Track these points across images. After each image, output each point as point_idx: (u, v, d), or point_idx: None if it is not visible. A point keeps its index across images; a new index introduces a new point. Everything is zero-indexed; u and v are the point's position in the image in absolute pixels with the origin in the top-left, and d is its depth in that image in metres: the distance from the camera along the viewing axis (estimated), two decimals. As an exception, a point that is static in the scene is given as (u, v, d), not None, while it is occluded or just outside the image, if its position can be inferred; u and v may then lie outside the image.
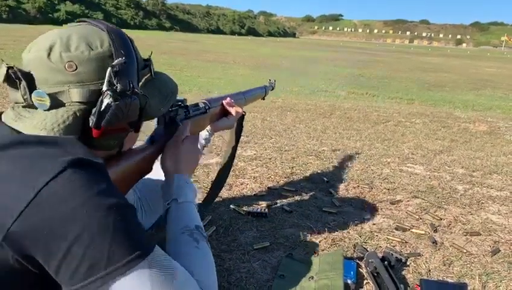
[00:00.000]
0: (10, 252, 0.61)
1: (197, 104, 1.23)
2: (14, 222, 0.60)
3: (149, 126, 1.07)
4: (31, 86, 0.72)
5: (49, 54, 0.72)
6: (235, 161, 2.48)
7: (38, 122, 0.72)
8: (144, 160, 0.99)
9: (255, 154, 2.72)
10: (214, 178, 1.79)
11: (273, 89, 1.85)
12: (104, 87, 0.73)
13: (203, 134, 1.41)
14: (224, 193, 2.01)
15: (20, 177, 0.62)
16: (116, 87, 0.74)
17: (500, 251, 1.61)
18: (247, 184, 2.17)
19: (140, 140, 1.02)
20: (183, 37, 33.37)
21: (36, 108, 0.73)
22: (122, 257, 0.64)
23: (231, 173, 2.26)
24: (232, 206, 1.84)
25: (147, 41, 17.27)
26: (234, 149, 1.66)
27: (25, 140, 0.68)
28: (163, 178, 1.05)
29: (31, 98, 0.72)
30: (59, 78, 0.72)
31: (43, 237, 0.61)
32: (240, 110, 1.40)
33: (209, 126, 1.36)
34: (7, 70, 0.71)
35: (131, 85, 0.76)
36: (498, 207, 2.08)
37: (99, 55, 0.74)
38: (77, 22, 0.82)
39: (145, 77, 0.86)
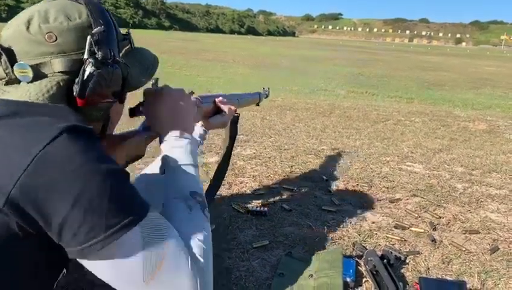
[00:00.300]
0: (12, 217, 0.63)
1: None
2: (13, 188, 0.61)
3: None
4: (12, 60, 0.73)
5: (28, 27, 0.73)
6: (235, 159, 2.49)
7: (22, 94, 0.72)
8: (134, 143, 0.98)
9: (254, 153, 2.73)
10: (210, 180, 1.80)
11: (267, 96, 1.86)
12: (85, 56, 0.74)
13: (198, 131, 1.40)
14: (224, 192, 2.01)
15: (18, 144, 0.64)
16: (97, 55, 0.74)
17: (499, 249, 1.62)
18: (247, 183, 2.17)
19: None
20: (182, 36, 33.36)
21: (19, 82, 0.73)
22: (119, 220, 0.66)
23: (231, 171, 2.27)
24: (231, 205, 1.84)
25: (146, 41, 17.27)
26: (229, 153, 1.65)
27: (20, 110, 0.69)
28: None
29: (13, 72, 0.72)
30: (40, 49, 0.73)
31: (42, 200, 0.62)
32: (233, 107, 1.39)
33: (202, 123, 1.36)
34: None
35: (112, 53, 0.78)
36: (497, 205, 2.08)
37: (78, 25, 0.75)
38: None
39: (125, 48, 0.87)
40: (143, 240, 0.69)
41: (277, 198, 1.99)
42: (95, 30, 0.75)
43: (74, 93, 0.74)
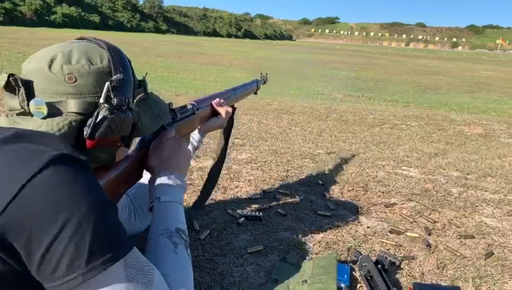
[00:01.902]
0: None
1: (184, 106, 1.23)
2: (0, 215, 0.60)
3: None
4: (30, 94, 0.75)
5: (50, 66, 0.75)
6: (230, 163, 2.49)
7: (32, 128, 0.73)
8: (131, 167, 0.99)
9: (250, 157, 2.72)
10: (205, 181, 1.80)
11: (265, 82, 1.82)
12: (101, 100, 0.76)
13: (195, 136, 1.40)
14: (219, 196, 2.00)
15: (8, 172, 0.64)
16: (113, 101, 0.77)
17: (493, 254, 1.61)
18: (242, 187, 2.16)
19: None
20: (179, 39, 33.37)
21: (32, 116, 0.75)
22: (102, 255, 0.65)
23: (226, 175, 2.26)
24: (226, 210, 1.83)
25: (143, 44, 17.27)
26: (224, 149, 1.65)
27: (16, 135, 0.70)
28: None
29: (28, 106, 0.74)
30: (58, 88, 0.75)
31: (26, 231, 0.61)
32: (229, 109, 1.41)
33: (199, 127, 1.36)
34: (8, 77, 0.74)
35: (127, 100, 0.80)
36: (492, 210, 2.08)
37: (99, 70, 0.78)
38: (78, 39, 0.86)
39: (139, 96, 0.90)
40: (125, 277, 0.68)
41: (272, 203, 1.98)
42: (114, 77, 0.78)
43: (84, 134, 0.76)
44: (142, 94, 0.91)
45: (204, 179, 2.18)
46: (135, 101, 0.88)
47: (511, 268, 1.51)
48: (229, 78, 8.06)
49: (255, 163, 2.59)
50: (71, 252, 0.62)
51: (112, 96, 0.77)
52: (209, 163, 2.50)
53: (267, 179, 2.31)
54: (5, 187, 0.62)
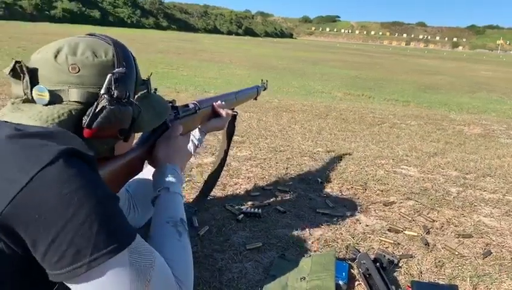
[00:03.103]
0: (1, 236, 0.63)
1: (187, 105, 1.26)
2: (7, 206, 0.62)
3: None
4: (33, 81, 0.77)
5: (56, 56, 0.78)
6: (229, 160, 2.49)
7: (34, 114, 0.76)
8: (132, 161, 1.00)
9: (249, 154, 2.72)
10: (206, 178, 1.81)
11: (265, 89, 1.87)
12: (102, 91, 0.78)
13: (196, 134, 1.42)
14: (218, 193, 2.01)
15: (18, 164, 0.65)
16: (114, 93, 0.79)
17: (491, 253, 1.62)
18: (241, 184, 2.16)
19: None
20: (180, 36, 33.33)
21: (35, 103, 0.77)
22: (106, 245, 0.67)
23: (225, 172, 2.26)
24: (225, 206, 1.83)
25: (143, 40, 17.26)
26: (226, 151, 1.68)
27: (26, 132, 0.71)
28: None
29: (31, 93, 0.77)
30: (61, 78, 0.78)
31: (34, 221, 0.63)
32: (230, 112, 1.45)
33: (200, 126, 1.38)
34: (14, 64, 0.77)
35: (128, 94, 0.82)
36: (490, 210, 2.09)
37: (103, 63, 0.81)
38: (86, 34, 0.88)
39: (142, 92, 0.92)
40: (130, 265, 0.70)
41: (271, 200, 1.98)
42: (116, 70, 0.80)
43: (83, 123, 0.78)
44: (144, 91, 0.93)
45: (204, 176, 2.19)
46: (137, 97, 0.90)
47: (509, 267, 1.52)
48: (229, 75, 8.05)
49: (255, 160, 2.59)
50: (78, 242, 0.64)
51: (113, 89, 0.79)
52: (208, 160, 2.51)
53: (266, 177, 2.31)
54: (15, 177, 0.64)
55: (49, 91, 0.76)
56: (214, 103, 1.39)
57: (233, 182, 2.19)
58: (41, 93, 0.76)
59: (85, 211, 0.65)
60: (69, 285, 0.69)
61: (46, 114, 0.75)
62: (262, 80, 1.86)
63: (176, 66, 8.87)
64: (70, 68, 0.78)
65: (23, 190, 0.63)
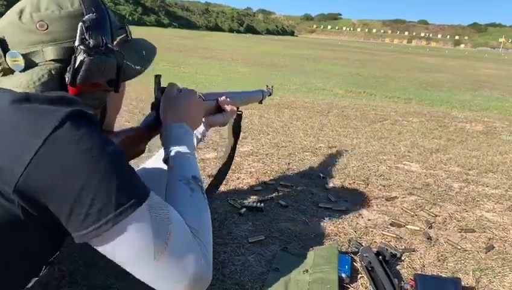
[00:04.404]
0: (19, 203, 0.64)
1: None
2: (25, 170, 0.62)
3: (156, 142, 1.09)
4: (5, 50, 0.74)
5: (20, 17, 0.74)
6: (232, 155, 2.48)
7: (14, 82, 0.73)
8: (134, 136, 0.99)
9: (251, 149, 2.72)
10: (213, 177, 1.80)
11: (270, 94, 1.86)
12: (77, 43, 0.74)
13: (200, 128, 1.41)
14: (221, 187, 2.00)
15: (28, 127, 0.65)
16: (89, 42, 0.75)
17: (494, 247, 1.62)
18: (244, 179, 2.17)
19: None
20: (181, 33, 33.30)
21: (13, 73, 0.74)
22: (127, 199, 0.68)
23: (227, 167, 2.26)
24: (228, 200, 1.84)
25: (144, 37, 17.17)
26: (233, 151, 1.66)
27: (29, 97, 0.70)
28: (163, 167, 1.04)
29: (6, 62, 0.73)
30: (32, 38, 0.74)
31: (53, 184, 0.64)
32: (234, 108, 1.41)
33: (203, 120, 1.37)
34: None
35: (105, 41, 0.77)
36: (493, 205, 2.09)
37: (70, 14, 0.76)
38: None
39: (121, 37, 0.88)
40: (151, 218, 0.71)
41: (273, 194, 1.99)
42: (86, 17, 0.75)
43: (66, 81, 0.75)
44: (123, 36, 0.88)
45: (206, 171, 2.20)
46: (115, 43, 0.85)
47: (511, 262, 1.52)
48: (231, 73, 8.04)
49: (256, 155, 2.59)
50: (100, 199, 0.65)
51: (87, 38, 0.74)
52: (210, 155, 2.51)
53: (268, 172, 2.31)
54: (28, 141, 0.64)
55: (23, 55, 0.73)
56: (219, 98, 1.38)
57: (236, 176, 2.19)
58: (15, 58, 0.73)
59: (102, 168, 0.66)
60: (96, 246, 0.70)
61: (26, 79, 0.73)
62: (267, 86, 1.85)
63: (177, 64, 8.86)
64: (38, 26, 0.73)
65: (38, 153, 0.63)
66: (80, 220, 0.65)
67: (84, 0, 0.78)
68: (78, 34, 0.74)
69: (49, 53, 0.74)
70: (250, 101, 1.74)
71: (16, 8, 0.76)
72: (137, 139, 1.01)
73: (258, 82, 2.01)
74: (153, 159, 1.27)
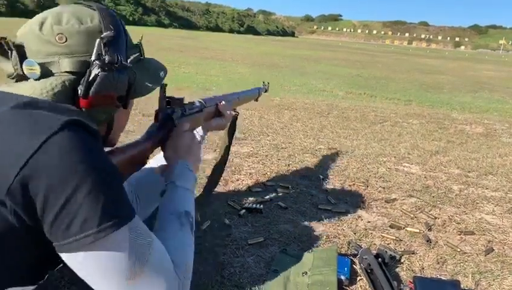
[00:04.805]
0: (12, 206, 0.64)
1: (193, 103, 1.27)
2: (22, 169, 0.63)
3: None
4: (22, 57, 0.75)
5: (41, 27, 0.76)
6: (231, 157, 2.49)
7: (28, 89, 0.75)
8: (137, 153, 1.00)
9: (251, 151, 2.72)
10: (208, 177, 1.81)
11: (266, 91, 1.89)
12: (93, 58, 0.77)
13: (200, 131, 1.42)
14: (220, 188, 2.01)
15: (25, 133, 0.66)
16: (105, 58, 0.77)
17: (493, 250, 1.62)
18: (243, 180, 2.16)
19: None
20: (181, 34, 33.31)
21: (27, 79, 0.76)
22: (111, 217, 0.67)
23: (227, 169, 2.26)
24: (227, 202, 1.83)
25: (145, 37, 17.16)
26: (227, 150, 1.68)
27: (31, 102, 0.71)
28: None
29: (21, 68, 0.75)
30: (50, 49, 0.76)
31: (44, 187, 0.64)
32: (233, 112, 1.46)
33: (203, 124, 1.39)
34: None
35: (120, 58, 0.80)
36: (492, 207, 2.08)
37: (89, 29, 0.78)
38: (71, 3, 0.86)
39: (134, 56, 0.89)
40: (129, 241, 0.71)
41: (273, 196, 1.98)
42: (104, 34, 0.78)
43: (79, 93, 0.77)
44: (137, 54, 0.90)
45: (205, 172, 2.19)
46: (129, 61, 0.87)
47: (510, 264, 1.52)
48: (231, 73, 8.03)
49: (256, 157, 2.59)
50: (85, 211, 0.65)
51: (104, 54, 0.77)
52: (210, 156, 2.51)
53: (268, 173, 2.31)
54: (25, 145, 0.64)
55: (39, 64, 0.75)
56: (219, 103, 1.41)
57: (235, 178, 2.19)
58: (31, 67, 0.75)
59: (92, 180, 0.66)
60: (68, 258, 0.69)
61: (40, 87, 0.75)
62: (263, 82, 1.88)
63: (177, 64, 8.86)
64: (57, 38, 0.76)
65: (35, 155, 0.63)
66: (62, 229, 0.65)
67: (103, 17, 0.81)
68: (95, 50, 0.77)
69: (65, 65, 0.76)
70: (247, 100, 1.78)
71: (38, 18, 0.78)
72: (142, 155, 1.03)
73: (258, 83, 2.02)
74: (150, 162, 1.27)
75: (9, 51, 0.76)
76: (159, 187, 1.03)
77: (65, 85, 0.76)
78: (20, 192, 0.63)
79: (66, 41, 0.76)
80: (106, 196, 0.67)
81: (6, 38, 0.76)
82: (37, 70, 0.75)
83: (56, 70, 0.76)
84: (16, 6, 43.98)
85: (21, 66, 0.75)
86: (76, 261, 0.69)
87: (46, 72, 0.75)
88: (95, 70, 0.76)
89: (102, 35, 0.78)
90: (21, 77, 0.76)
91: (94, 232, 0.65)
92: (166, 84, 1.05)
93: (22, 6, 44.61)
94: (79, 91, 0.77)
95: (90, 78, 0.76)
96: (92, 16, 0.80)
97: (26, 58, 0.75)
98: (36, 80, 0.75)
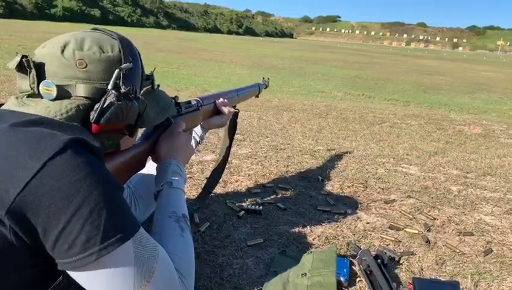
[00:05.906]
0: (11, 226, 0.64)
1: (189, 102, 1.27)
2: (21, 191, 0.63)
3: None
4: (40, 76, 0.77)
5: (63, 51, 0.78)
6: (230, 158, 2.48)
7: (41, 109, 0.76)
8: (136, 156, 1.01)
9: (250, 152, 2.72)
10: (208, 176, 1.81)
11: (266, 87, 1.87)
12: (109, 87, 0.79)
13: (198, 131, 1.42)
14: (219, 190, 2.00)
15: (29, 151, 0.66)
16: (121, 88, 0.80)
17: (492, 251, 1.62)
18: (242, 181, 2.16)
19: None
20: (180, 35, 33.30)
21: (41, 98, 0.77)
22: (115, 233, 0.68)
23: (226, 170, 2.26)
24: (226, 203, 1.83)
25: (143, 39, 17.23)
26: (228, 149, 1.68)
27: (36, 120, 0.72)
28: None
29: (38, 88, 0.77)
30: (69, 72, 0.78)
31: (45, 208, 0.64)
32: (232, 109, 1.45)
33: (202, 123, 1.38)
34: (21, 59, 0.77)
35: (135, 90, 0.83)
36: (491, 208, 2.09)
37: (109, 58, 0.81)
38: (91, 29, 0.89)
39: (146, 88, 0.93)
40: (135, 256, 0.71)
41: (272, 197, 1.98)
42: (123, 66, 0.81)
43: (91, 118, 0.78)
44: (149, 86, 0.93)
45: (204, 173, 2.19)
46: (142, 92, 0.90)
47: (510, 265, 1.52)
48: (229, 75, 8.04)
49: (255, 158, 2.59)
50: (87, 230, 0.65)
51: (120, 84, 0.79)
52: (209, 157, 2.51)
53: (267, 174, 2.31)
54: (27, 163, 0.64)
55: (57, 86, 0.76)
56: (217, 100, 1.40)
57: (234, 179, 2.19)
58: (48, 88, 0.76)
59: (94, 199, 0.66)
60: (74, 275, 0.70)
61: (54, 109, 0.76)
62: (263, 78, 1.86)
63: (176, 65, 8.87)
64: (77, 63, 0.78)
65: (36, 176, 0.63)
66: (64, 249, 0.66)
67: (124, 47, 0.84)
68: (112, 79, 0.79)
69: (81, 90, 0.78)
70: (247, 97, 1.76)
71: (60, 41, 0.80)
72: (140, 157, 1.04)
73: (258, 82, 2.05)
74: (147, 165, 1.27)
75: (29, 69, 0.77)
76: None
77: (79, 109, 0.78)
78: (20, 213, 0.63)
79: (85, 67, 0.78)
80: (109, 212, 0.68)
81: (27, 57, 0.77)
82: (54, 92, 0.76)
83: (72, 93, 0.78)
84: (14, 8, 43.92)
85: (38, 86, 0.77)
86: (82, 278, 0.70)
87: (61, 94, 0.77)
88: (110, 99, 0.78)
89: (121, 66, 0.80)
90: (34, 95, 0.78)
91: (97, 250, 0.66)
92: (158, 84, 1.06)
93: (20, 8, 44.55)
94: (91, 116, 0.78)
95: (105, 105, 0.78)
96: (112, 45, 0.82)
97: (45, 78, 0.77)
98: (51, 100, 0.77)
